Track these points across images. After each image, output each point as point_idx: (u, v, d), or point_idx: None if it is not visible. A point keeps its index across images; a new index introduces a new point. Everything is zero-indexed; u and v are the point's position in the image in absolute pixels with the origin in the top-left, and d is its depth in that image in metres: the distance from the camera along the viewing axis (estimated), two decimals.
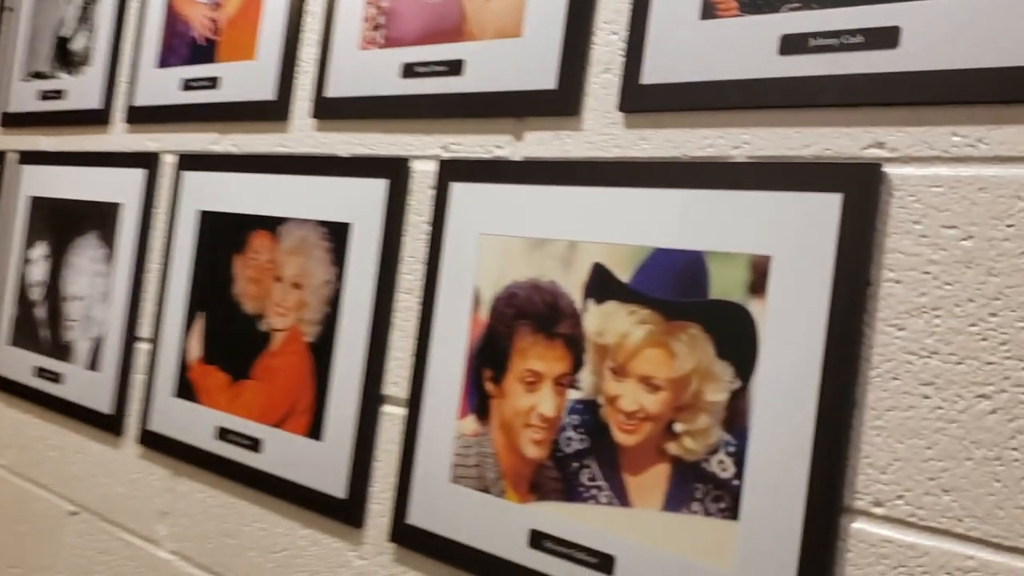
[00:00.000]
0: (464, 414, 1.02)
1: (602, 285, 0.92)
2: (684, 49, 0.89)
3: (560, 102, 0.98)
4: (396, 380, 1.10)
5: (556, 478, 0.94)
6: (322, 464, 1.15)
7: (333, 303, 1.17)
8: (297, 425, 1.19)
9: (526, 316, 0.97)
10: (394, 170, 1.13)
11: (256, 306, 1.27)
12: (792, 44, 0.81)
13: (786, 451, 0.79)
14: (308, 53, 1.26)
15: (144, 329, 1.44)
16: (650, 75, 0.91)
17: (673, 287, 0.87)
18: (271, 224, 1.26)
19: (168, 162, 1.45)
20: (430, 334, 1.06)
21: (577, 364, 0.93)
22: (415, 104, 1.12)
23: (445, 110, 1.09)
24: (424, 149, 1.11)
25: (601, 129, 0.94)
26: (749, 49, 0.84)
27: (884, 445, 0.74)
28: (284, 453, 1.20)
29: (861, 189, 0.77)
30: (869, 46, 0.77)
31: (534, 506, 0.95)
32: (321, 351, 1.18)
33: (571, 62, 0.97)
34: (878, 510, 0.74)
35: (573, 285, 0.94)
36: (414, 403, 1.07)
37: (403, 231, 1.12)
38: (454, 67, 1.07)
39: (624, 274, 0.90)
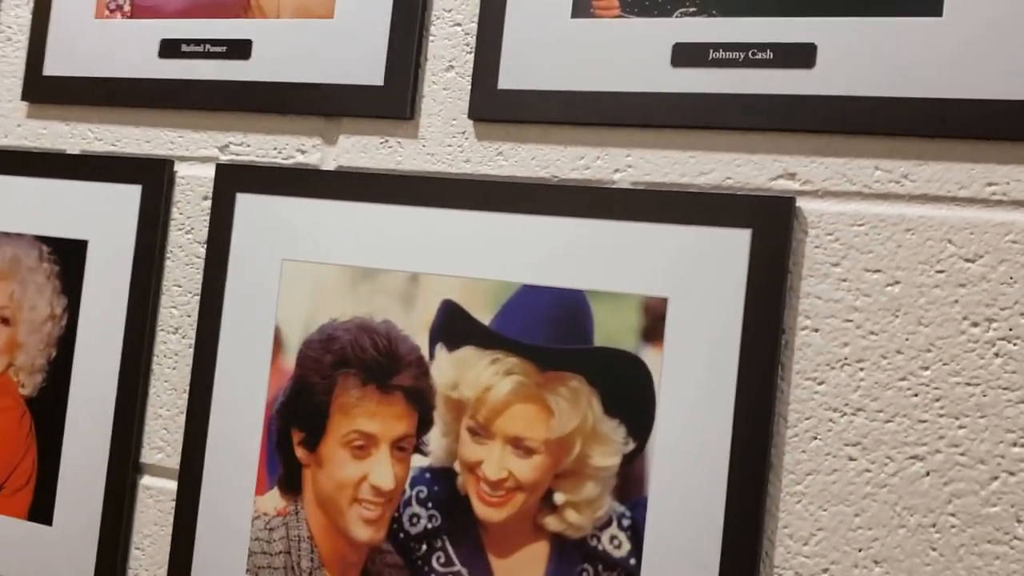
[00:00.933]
0: (264, 488, 0.83)
1: (454, 327, 0.78)
2: (551, 51, 0.77)
3: (388, 101, 0.82)
4: (160, 445, 0.88)
5: (397, 565, 0.79)
6: (54, 556, 0.90)
7: (63, 344, 0.92)
8: (11, 505, 0.93)
9: (350, 364, 0.80)
10: (150, 174, 0.91)
11: None
12: (687, 55, 0.73)
13: (692, 523, 0.70)
14: (15, 16, 0.98)
15: None
16: (510, 78, 0.78)
17: (548, 332, 0.75)
18: None
19: None
20: (211, 386, 0.85)
21: (424, 424, 0.79)
22: (180, 91, 0.90)
23: (225, 101, 0.88)
24: (193, 149, 0.90)
25: (444, 139, 0.80)
26: (635, 57, 0.74)
27: (805, 513, 0.68)
28: None
29: (773, 225, 0.70)
30: (780, 63, 0.70)
31: None
32: (46, 407, 0.92)
33: (402, 54, 0.81)
34: None
35: (416, 326, 0.79)
36: (189, 474, 0.86)
37: (165, 253, 0.89)
38: (238, 48, 0.87)
39: (484, 314, 0.77)
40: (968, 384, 0.66)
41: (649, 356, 0.73)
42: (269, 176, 0.86)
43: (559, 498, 0.75)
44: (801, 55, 0.70)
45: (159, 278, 0.90)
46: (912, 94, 0.68)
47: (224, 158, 0.89)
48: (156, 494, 0.89)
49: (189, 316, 0.89)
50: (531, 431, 0.76)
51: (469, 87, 0.80)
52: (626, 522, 0.73)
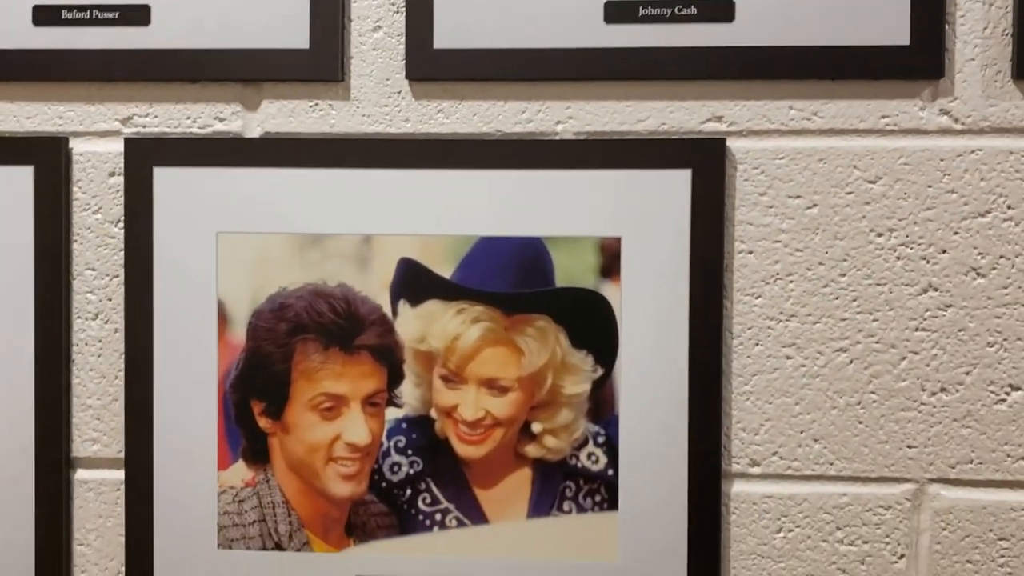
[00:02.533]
0: (227, 462, 0.87)
1: (415, 283, 0.85)
2: (487, 10, 0.84)
3: (314, 65, 0.86)
4: (94, 436, 0.89)
5: (382, 512, 0.86)
6: None
7: None
8: None
9: (307, 330, 0.86)
10: (42, 153, 0.88)
11: None
12: (619, 12, 0.83)
13: (661, 431, 0.84)
14: None
15: None
16: (445, 38, 0.85)
17: (510, 278, 0.85)
18: None
19: None
20: (150, 368, 0.87)
21: (394, 378, 0.86)
22: (64, 61, 0.88)
23: (123, 70, 0.88)
24: (88, 123, 0.88)
25: (380, 100, 0.86)
26: (570, 15, 0.83)
27: (754, 408, 0.84)
28: None
29: (708, 164, 0.83)
30: (703, 18, 0.82)
31: (355, 551, 0.87)
32: None
33: (326, 16, 0.85)
34: (755, 470, 0.84)
35: (374, 287, 0.85)
36: (137, 461, 0.87)
37: (72, 236, 0.88)
38: (133, 14, 0.86)
39: (443, 269, 0.85)
40: (878, 284, 0.83)
41: (608, 291, 0.84)
42: (188, 147, 0.87)
43: (537, 427, 0.85)
44: (722, 10, 0.82)
45: (68, 263, 0.88)
46: (817, 43, 0.82)
47: (128, 131, 0.88)
48: (96, 486, 0.89)
49: (110, 300, 0.88)
50: (503, 371, 0.85)
51: (401, 47, 0.85)
52: (601, 439, 0.85)
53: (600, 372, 0.84)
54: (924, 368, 0.82)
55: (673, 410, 0.84)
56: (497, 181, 0.84)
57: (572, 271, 0.84)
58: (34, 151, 0.88)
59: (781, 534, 0.84)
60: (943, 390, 0.82)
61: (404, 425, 0.86)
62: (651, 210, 0.83)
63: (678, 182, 0.83)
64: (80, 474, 0.90)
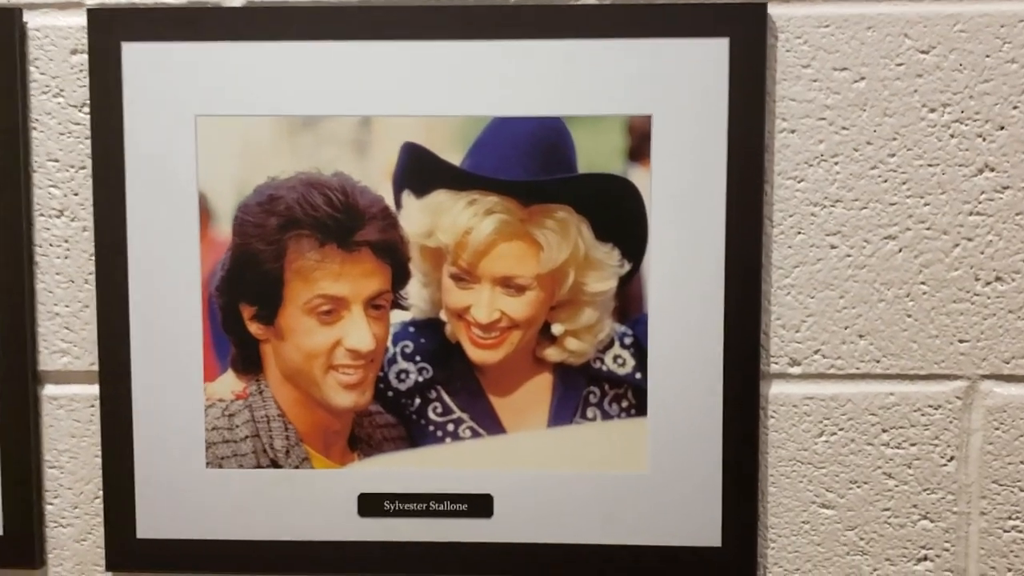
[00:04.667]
0: (215, 373, 0.82)
1: (421, 171, 0.80)
2: None
3: None
4: (64, 347, 0.83)
5: (389, 424, 0.82)
6: None
7: None
8: None
9: (301, 225, 0.80)
10: None
11: None
12: None
13: (693, 330, 0.80)
14: None
15: None
16: None
17: (527, 165, 0.79)
18: None
19: None
20: (124, 270, 0.81)
21: (399, 277, 0.81)
22: None
23: None
24: None
25: None
26: None
27: (795, 303, 0.80)
28: None
29: (747, 32, 0.78)
30: None
31: (359, 466, 0.83)
32: None
33: None
34: (795, 369, 0.81)
35: (375, 176, 0.80)
36: (113, 374, 0.82)
37: (29, 123, 0.81)
38: None
39: (452, 155, 0.80)
40: (929, 165, 0.79)
41: (637, 176, 0.79)
42: (161, 19, 0.81)
43: (557, 329, 0.81)
44: None
45: (27, 154, 0.81)
46: None
47: (91, 1, 0.80)
48: (67, 403, 0.84)
49: (76, 194, 0.82)
50: (520, 268, 0.80)
51: None
52: (628, 340, 0.80)
53: (627, 267, 0.80)
54: (978, 256, 0.79)
55: (707, 307, 0.80)
56: (512, 53, 0.79)
57: (596, 155, 0.79)
58: None
59: (823, 438, 0.81)
60: (998, 279, 0.79)
61: (411, 329, 0.81)
62: (684, 85, 0.78)
63: (714, 53, 0.78)
64: (49, 389, 0.84)
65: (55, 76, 0.83)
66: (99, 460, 0.85)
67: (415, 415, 0.83)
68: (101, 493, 0.85)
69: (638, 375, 0.82)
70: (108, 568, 0.85)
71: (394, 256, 0.81)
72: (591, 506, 0.82)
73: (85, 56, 0.82)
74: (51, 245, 0.84)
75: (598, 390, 0.82)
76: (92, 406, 0.85)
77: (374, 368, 0.82)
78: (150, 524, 0.84)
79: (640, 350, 0.81)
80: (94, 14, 0.81)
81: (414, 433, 0.83)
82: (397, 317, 0.82)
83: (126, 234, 0.82)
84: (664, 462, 0.82)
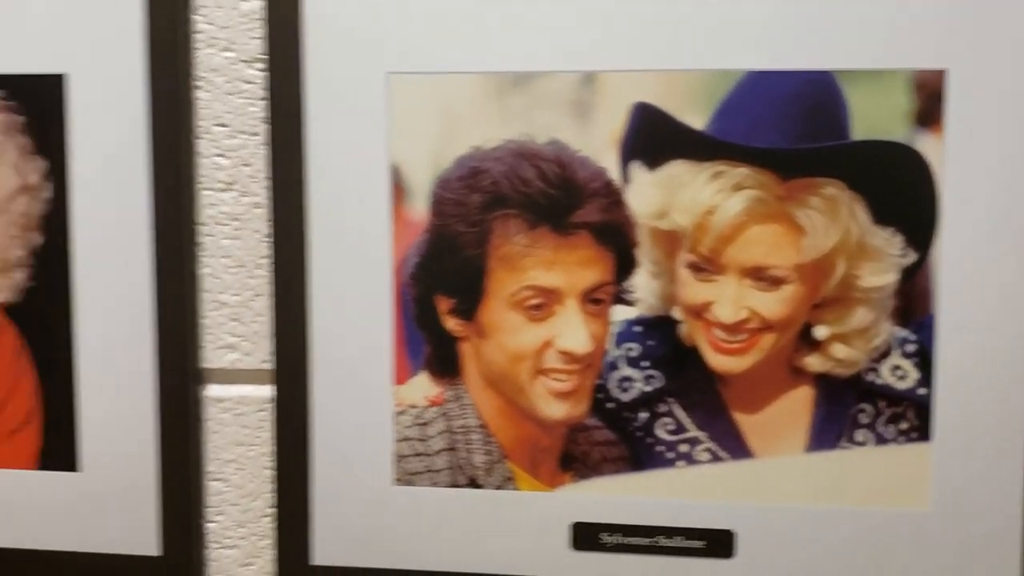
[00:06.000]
0: (406, 375, 0.71)
1: (655, 137, 0.67)
2: None
3: None
4: (232, 342, 0.73)
5: (610, 441, 0.70)
6: (89, 510, 0.76)
7: (52, 224, 0.72)
8: (9, 454, 0.75)
9: (508, 203, 0.68)
10: None
11: None
12: None
13: (994, 334, 0.65)
14: None
15: None
16: None
17: (787, 129, 0.66)
18: None
19: None
20: (301, 255, 0.70)
21: (624, 266, 0.69)
22: None
23: None
24: None
25: None
26: None
27: None
28: None
29: None
30: None
31: (572, 490, 0.71)
32: (39, 314, 0.74)
33: None
34: None
35: (597, 144, 0.68)
36: (289, 374, 0.71)
37: (193, 81, 0.71)
38: None
39: (694, 117, 0.67)
40: None
41: (926, 145, 0.66)
42: None
43: (821, 332, 0.68)
44: None
45: (189, 116, 0.71)
46: None
47: None
48: (234, 406, 0.74)
49: (247, 165, 0.72)
50: (776, 257, 0.67)
51: None
52: (910, 348, 0.67)
53: (912, 257, 0.67)
54: None
55: (1012, 308, 0.65)
56: None
57: (875, 118, 0.67)
58: None
59: None
60: None
61: (637, 329, 0.69)
62: (986, 32, 0.64)
63: None
64: (212, 390, 0.74)
65: (224, 27, 0.73)
66: (269, 472, 0.75)
67: (641, 432, 0.71)
68: (269, 511, 0.75)
69: (922, 391, 0.68)
70: None
71: (618, 241, 0.69)
72: (857, 550, 0.70)
73: (258, 4, 0.72)
74: (217, 224, 0.74)
75: (871, 408, 0.69)
76: (262, 410, 0.75)
77: (591, 374, 0.71)
78: (327, 549, 0.75)
79: (925, 360, 0.68)
80: None
81: (639, 453, 0.71)
82: (620, 314, 0.70)
83: (305, 212, 0.72)
84: (952, 498, 0.69)
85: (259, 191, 0.74)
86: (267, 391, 0.75)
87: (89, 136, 0.74)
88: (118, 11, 0.73)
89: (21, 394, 0.77)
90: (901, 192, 0.67)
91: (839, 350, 0.69)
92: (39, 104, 0.74)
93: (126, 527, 0.77)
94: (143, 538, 0.77)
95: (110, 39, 0.73)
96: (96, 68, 0.73)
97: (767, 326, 0.70)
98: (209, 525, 0.77)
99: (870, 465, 0.70)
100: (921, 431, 0.69)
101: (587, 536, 0.73)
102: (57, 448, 0.77)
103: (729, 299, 0.70)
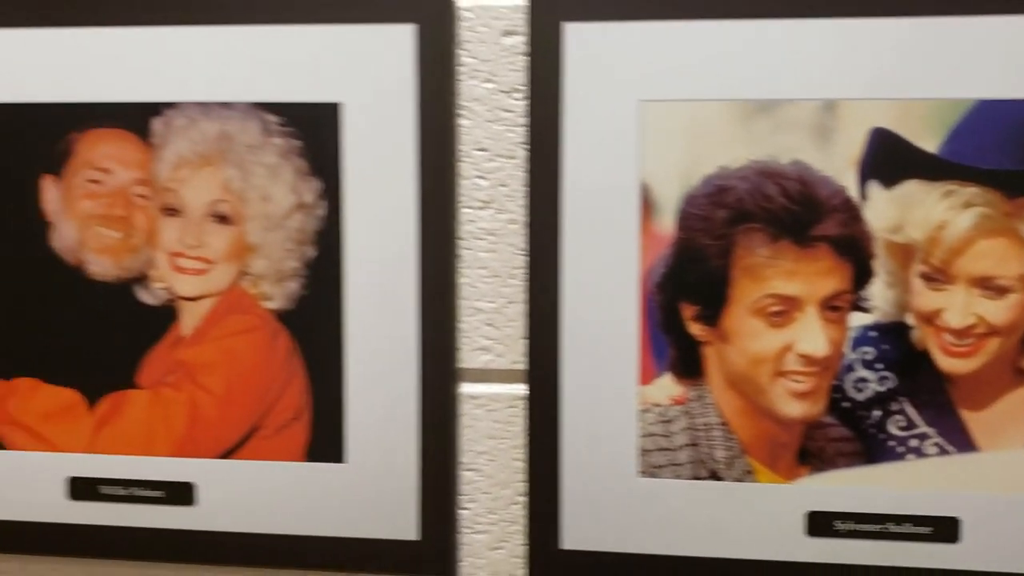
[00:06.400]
0: (651, 376, 0.79)
1: (891, 159, 0.75)
2: None
3: None
4: (486, 344, 0.81)
5: (844, 437, 0.77)
6: (356, 497, 0.85)
7: (325, 239, 0.80)
8: (279, 447, 0.83)
9: (752, 218, 0.76)
10: (426, 8, 0.79)
11: (117, 264, 0.83)
12: None
13: None
14: None
15: None
16: None
17: (1013, 153, 0.74)
18: (127, 116, 0.82)
19: None
20: (555, 265, 0.78)
21: (861, 276, 0.76)
22: None
23: None
24: None
25: None
26: None
27: None
28: (254, 495, 0.84)
29: None
30: None
31: (808, 482, 0.78)
32: (311, 320, 0.82)
33: None
34: None
35: (837, 165, 0.75)
36: (540, 374, 0.79)
37: (454, 111, 0.78)
38: None
39: (928, 141, 0.74)
40: None
41: None
42: None
43: None
44: None
45: (452, 141, 0.79)
46: None
47: None
48: (487, 403, 0.82)
49: (504, 186, 0.79)
50: (1002, 268, 0.74)
51: None
52: None
53: None
54: None
55: None
56: (995, 26, 0.72)
57: None
58: (416, 6, 0.78)
59: None
60: None
61: (873, 334, 0.76)
62: None
63: None
64: (467, 388, 0.82)
65: (486, 60, 0.80)
66: (518, 463, 0.83)
67: (873, 429, 0.78)
68: (519, 499, 0.83)
69: None
70: None
71: (856, 253, 0.77)
72: None
73: (519, 38, 0.79)
74: (475, 238, 0.82)
75: None
76: (513, 406, 0.83)
77: (828, 376, 0.78)
78: (575, 534, 0.82)
79: None
80: None
81: (871, 448, 0.78)
82: (856, 320, 0.77)
83: (558, 228, 0.80)
84: None
85: (514, 208, 0.82)
86: (518, 389, 0.83)
87: (361, 159, 0.82)
88: (391, 46, 0.81)
89: (292, 392, 0.85)
90: None
91: None
92: (315, 130, 0.82)
93: (387, 514, 0.85)
94: (403, 524, 0.85)
95: (383, 71, 0.81)
96: (369, 98, 0.81)
97: (993, 331, 0.76)
98: (462, 512, 0.85)
99: None
100: None
101: (822, 524, 0.80)
102: (324, 441, 0.85)
103: (958, 307, 0.76)
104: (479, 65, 0.81)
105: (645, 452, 0.81)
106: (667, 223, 0.79)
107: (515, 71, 0.81)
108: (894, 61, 0.75)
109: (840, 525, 0.80)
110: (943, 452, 0.78)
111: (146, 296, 0.86)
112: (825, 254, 0.77)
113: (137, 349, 0.86)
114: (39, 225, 0.86)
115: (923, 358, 0.78)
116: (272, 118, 0.83)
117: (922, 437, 0.78)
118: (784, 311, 0.78)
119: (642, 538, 0.82)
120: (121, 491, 0.88)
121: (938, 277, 0.76)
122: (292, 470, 0.86)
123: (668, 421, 0.81)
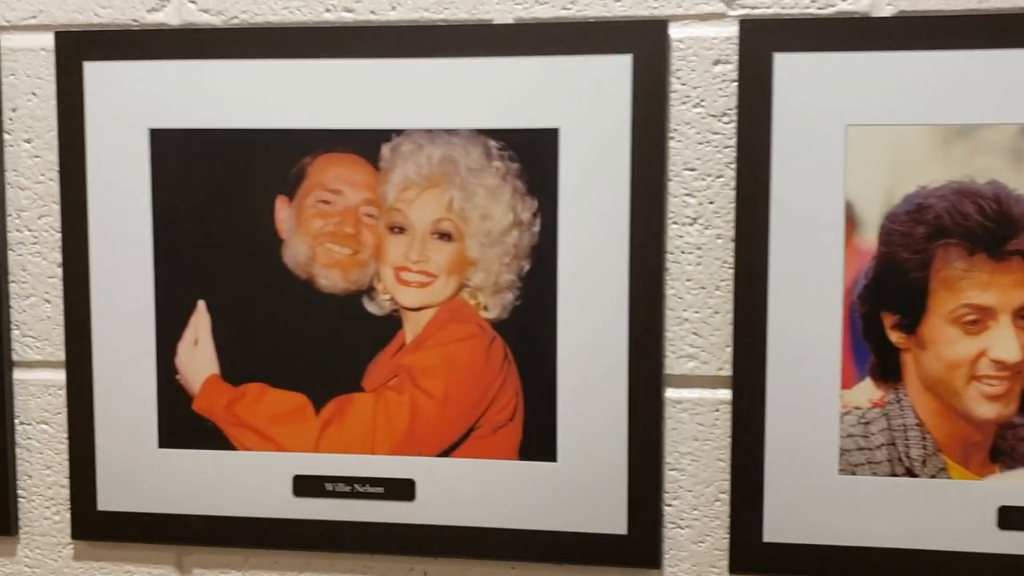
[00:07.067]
0: (852, 380, 0.86)
1: None
2: None
3: None
4: (691, 352, 0.88)
5: None
6: (566, 495, 0.92)
7: (539, 253, 0.88)
8: (494, 446, 0.90)
9: (949, 234, 0.82)
10: (642, 38, 0.86)
11: (345, 277, 0.91)
12: None
13: None
14: None
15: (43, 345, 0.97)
16: None
17: None
18: (359, 142, 0.89)
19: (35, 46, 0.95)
20: (764, 279, 0.85)
21: None
22: None
23: None
24: (688, 5, 0.85)
25: None
26: None
27: None
28: (471, 491, 0.92)
29: None
30: None
31: (1000, 479, 0.85)
32: (525, 328, 0.89)
33: None
34: None
35: None
36: (747, 379, 0.86)
37: (667, 133, 0.86)
38: None
39: None
40: None
41: None
42: (801, 29, 0.84)
43: None
44: None
45: (663, 162, 0.86)
46: None
47: (736, 12, 0.84)
48: (691, 407, 0.89)
49: (711, 203, 0.87)
50: None
51: None
52: None
53: None
54: None
55: None
56: None
57: None
58: (634, 36, 0.86)
59: None
60: None
61: None
62: None
63: None
64: (671, 393, 0.89)
65: (696, 86, 0.87)
66: (720, 464, 0.90)
67: None
68: (721, 496, 0.90)
69: None
70: (732, 571, 0.89)
71: None
72: None
73: (728, 67, 0.86)
74: (682, 252, 0.89)
75: None
76: (716, 410, 0.90)
77: (1020, 379, 0.85)
78: (777, 528, 0.89)
79: None
80: (746, 25, 0.85)
81: None
82: None
83: (767, 242, 0.87)
84: None
85: (721, 224, 0.89)
86: (721, 394, 0.90)
87: (576, 179, 0.89)
88: (608, 74, 0.88)
89: (506, 395, 0.93)
90: None
91: None
92: (534, 153, 0.90)
93: (597, 509, 0.92)
94: (613, 519, 0.92)
95: (600, 98, 0.88)
96: (586, 122, 0.89)
97: None
98: (666, 508, 0.92)
99: None
100: None
101: (1013, 517, 0.86)
102: (537, 441, 0.93)
103: None
104: (690, 92, 0.88)
105: (845, 451, 0.88)
106: (869, 238, 0.86)
107: (724, 96, 0.88)
108: None
109: None
110: None
111: (372, 307, 0.94)
112: (1019, 267, 0.84)
113: (363, 356, 0.94)
114: (272, 242, 0.94)
115: None
116: (494, 143, 0.90)
117: None
118: (979, 320, 0.85)
119: (840, 531, 0.89)
120: (344, 487, 0.95)
121: None
122: (506, 468, 0.93)
123: (867, 423, 0.88)
